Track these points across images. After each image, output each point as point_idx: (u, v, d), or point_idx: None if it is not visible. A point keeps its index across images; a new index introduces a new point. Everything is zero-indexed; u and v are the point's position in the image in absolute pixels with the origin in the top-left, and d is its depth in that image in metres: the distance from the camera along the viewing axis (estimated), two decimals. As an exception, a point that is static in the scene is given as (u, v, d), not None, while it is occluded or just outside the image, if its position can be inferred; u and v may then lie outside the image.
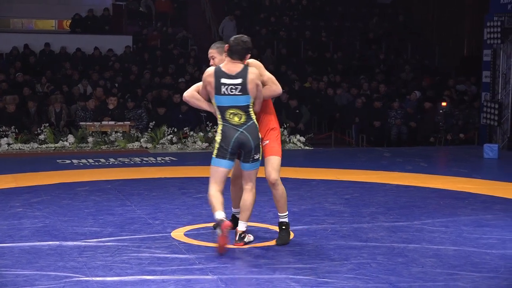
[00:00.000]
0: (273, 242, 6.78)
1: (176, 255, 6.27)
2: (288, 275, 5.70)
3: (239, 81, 6.51)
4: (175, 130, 15.63)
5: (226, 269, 5.88)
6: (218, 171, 6.65)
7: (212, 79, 6.55)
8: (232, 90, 6.51)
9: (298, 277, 5.66)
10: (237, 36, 6.69)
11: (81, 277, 5.65)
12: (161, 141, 15.36)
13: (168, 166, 12.38)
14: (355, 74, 20.96)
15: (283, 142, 15.73)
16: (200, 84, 6.77)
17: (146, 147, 15.22)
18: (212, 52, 6.85)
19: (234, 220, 7.02)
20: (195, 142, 15.51)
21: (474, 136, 17.30)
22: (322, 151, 15.52)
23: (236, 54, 6.57)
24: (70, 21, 23.37)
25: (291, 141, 15.97)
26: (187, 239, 6.91)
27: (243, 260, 6.16)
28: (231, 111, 6.54)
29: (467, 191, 9.83)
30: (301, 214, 8.17)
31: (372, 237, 7.04)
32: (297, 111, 17.60)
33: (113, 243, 6.70)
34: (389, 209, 8.51)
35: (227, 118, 6.56)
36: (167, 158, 13.36)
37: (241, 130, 6.54)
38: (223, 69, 6.57)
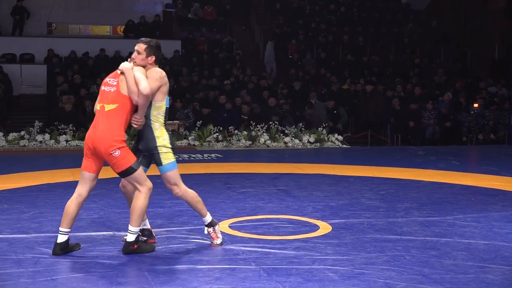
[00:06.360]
0: (312, 234, 6.77)
1: (221, 246, 6.28)
2: (326, 266, 5.68)
3: None
4: (221, 128, 15.69)
5: (268, 259, 5.87)
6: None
7: (167, 80, 6.10)
8: None
9: (336, 267, 5.63)
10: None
11: (133, 265, 5.69)
12: (208, 139, 15.42)
13: (214, 163, 12.43)
14: (390, 77, 20.83)
15: (322, 140, 15.73)
16: (145, 78, 5.89)
17: (194, 145, 15.29)
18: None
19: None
20: (239, 140, 15.55)
21: (504, 136, 17.07)
22: (359, 149, 15.44)
23: None
24: (123, 27, 23.59)
25: (330, 140, 15.93)
26: (231, 231, 6.92)
27: (284, 251, 6.15)
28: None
29: (497, 188, 9.71)
30: (339, 208, 8.14)
31: (406, 231, 6.98)
32: (335, 111, 17.56)
33: (163, 234, 6.72)
34: (423, 204, 8.44)
35: (165, 120, 6.13)
36: (213, 155, 13.41)
37: None
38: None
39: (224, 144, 15.45)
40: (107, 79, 6.08)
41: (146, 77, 5.95)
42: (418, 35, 24.04)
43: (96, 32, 26.14)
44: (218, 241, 6.34)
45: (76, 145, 14.91)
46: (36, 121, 15.50)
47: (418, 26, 24.60)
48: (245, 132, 15.68)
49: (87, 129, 13.83)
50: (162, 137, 6.02)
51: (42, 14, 23.55)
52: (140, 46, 6.05)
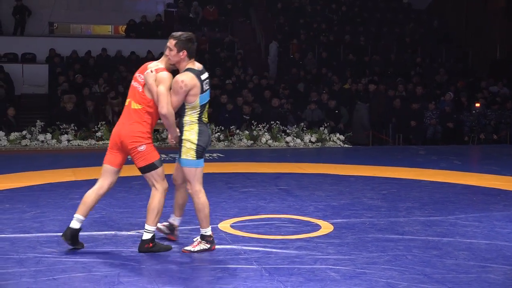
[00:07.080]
0: (314, 234, 6.77)
1: (223, 246, 6.28)
2: (328, 265, 5.68)
3: (207, 75, 6.13)
4: (222, 128, 15.69)
5: (270, 259, 5.87)
6: (201, 173, 6.12)
7: (196, 81, 5.93)
8: (207, 84, 6.08)
9: (337, 267, 5.63)
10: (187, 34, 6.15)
11: (135, 264, 5.69)
12: (209, 138, 15.42)
13: (216, 162, 12.43)
14: (392, 76, 20.82)
15: (324, 140, 15.73)
16: (166, 95, 5.87)
17: (195, 144, 15.28)
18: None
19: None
20: (240, 139, 15.55)
21: (506, 136, 17.07)
22: (360, 149, 15.43)
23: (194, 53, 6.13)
24: (125, 26, 23.59)
25: (331, 139, 15.92)
26: (233, 231, 6.92)
27: (286, 251, 6.15)
28: (207, 108, 6.12)
29: (499, 187, 9.70)
30: (340, 208, 8.14)
31: (408, 231, 6.98)
32: (337, 111, 17.55)
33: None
34: (424, 204, 8.43)
35: (203, 117, 6.06)
36: (214, 155, 13.41)
37: (208, 127, 6.20)
38: (193, 67, 6.03)
39: (225, 143, 15.46)
40: (136, 74, 6.13)
41: (170, 86, 5.94)
42: (419, 35, 24.02)
43: (97, 31, 26.14)
44: (190, 248, 6.12)
45: (78, 145, 14.93)
46: (38, 121, 15.52)
47: (419, 26, 24.58)
48: (247, 132, 15.68)
49: (88, 129, 13.85)
50: (189, 132, 6.00)
51: (44, 14, 23.54)
52: (170, 42, 6.09)
